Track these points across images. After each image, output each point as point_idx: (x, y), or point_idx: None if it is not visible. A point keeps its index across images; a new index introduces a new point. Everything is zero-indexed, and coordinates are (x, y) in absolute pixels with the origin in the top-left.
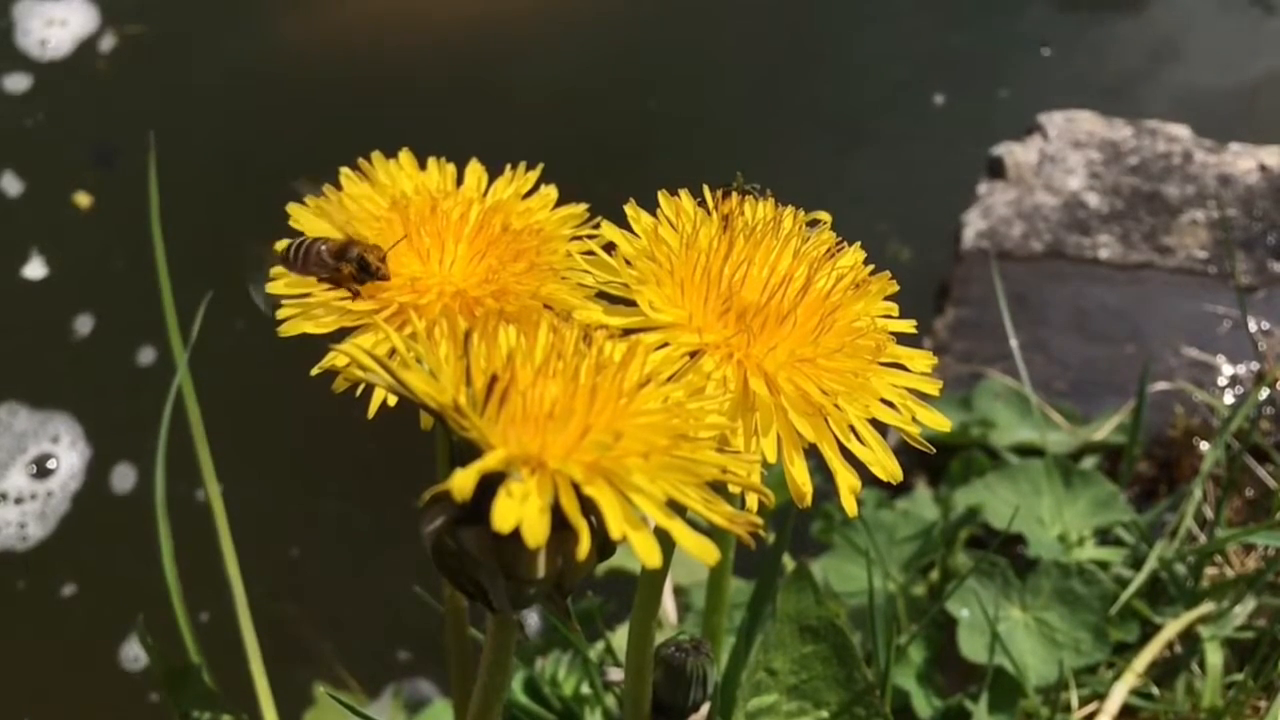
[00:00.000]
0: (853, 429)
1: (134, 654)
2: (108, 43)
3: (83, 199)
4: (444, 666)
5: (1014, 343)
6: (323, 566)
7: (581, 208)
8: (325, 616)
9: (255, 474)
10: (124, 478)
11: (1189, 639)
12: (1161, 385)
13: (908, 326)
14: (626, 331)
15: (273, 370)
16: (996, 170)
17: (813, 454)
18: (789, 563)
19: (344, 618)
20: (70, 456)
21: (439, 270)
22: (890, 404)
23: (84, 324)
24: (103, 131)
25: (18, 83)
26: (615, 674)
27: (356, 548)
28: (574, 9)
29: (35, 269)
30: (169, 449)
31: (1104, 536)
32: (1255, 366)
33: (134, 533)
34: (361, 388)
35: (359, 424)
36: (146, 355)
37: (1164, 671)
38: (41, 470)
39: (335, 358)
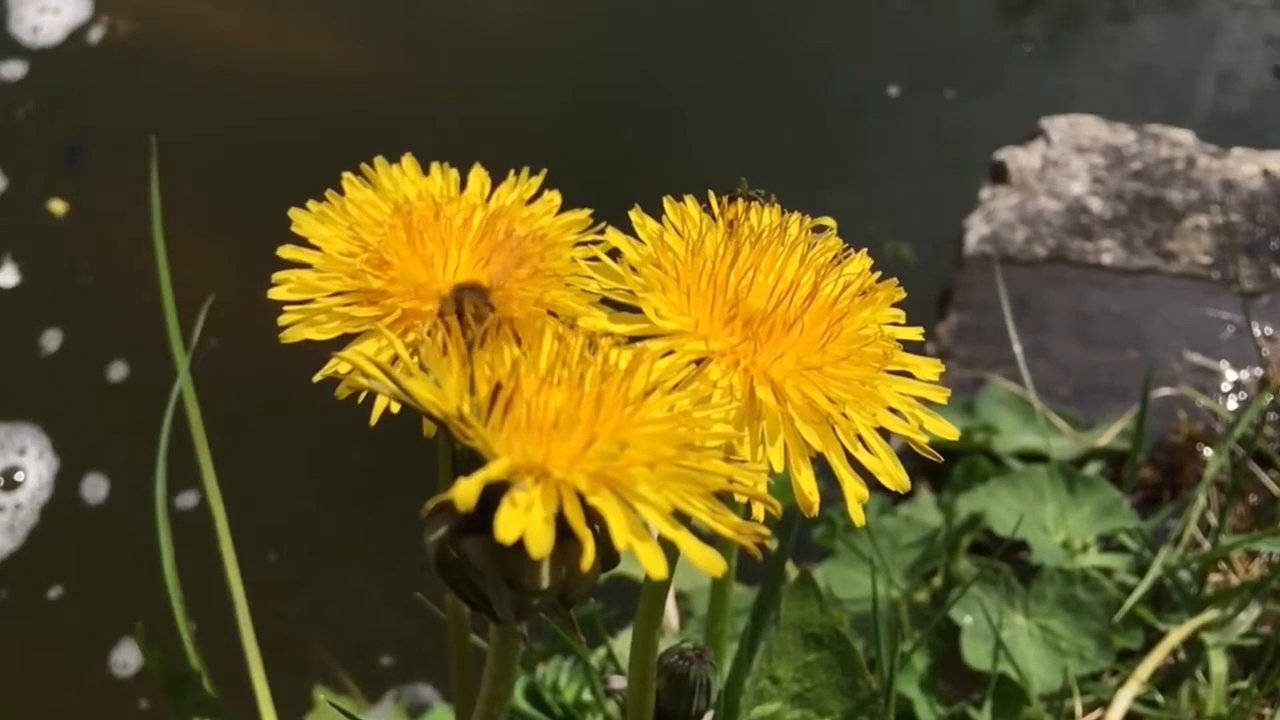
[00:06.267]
0: (860, 438)
1: (124, 660)
2: (97, 34)
3: (58, 206)
4: (445, 672)
5: (1017, 348)
6: (320, 573)
7: (585, 213)
8: (324, 622)
9: (243, 482)
10: (95, 488)
11: (1193, 646)
12: (1165, 391)
13: (915, 334)
14: (632, 339)
15: (258, 382)
16: (999, 175)
17: (816, 458)
18: (792, 569)
19: (343, 623)
20: (39, 468)
21: (442, 277)
22: (897, 412)
23: (53, 336)
24: (83, 130)
25: (9, 70)
26: (617, 681)
27: (355, 554)
28: (554, 31)
29: (7, 276)
30: (150, 458)
31: (1108, 543)
32: (1259, 372)
33: (112, 542)
34: (364, 395)
35: (349, 430)
36: (118, 370)
37: (1168, 679)
38: (9, 483)
39: (338, 364)
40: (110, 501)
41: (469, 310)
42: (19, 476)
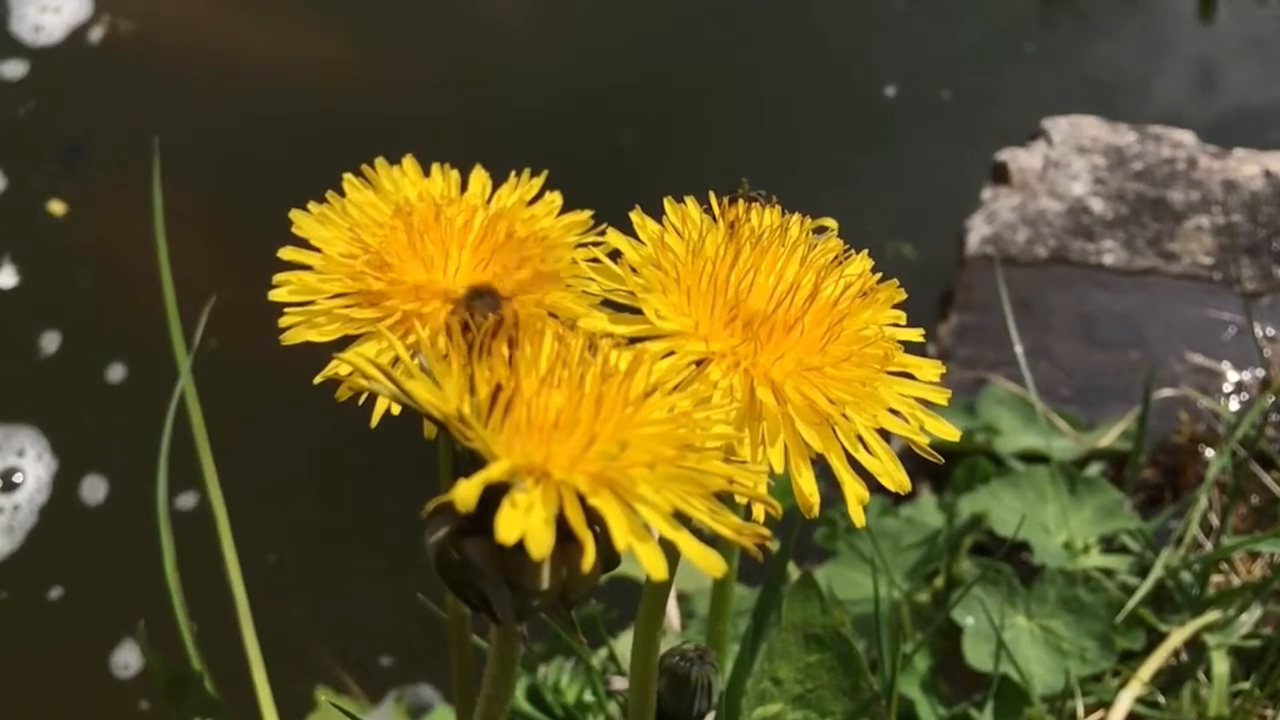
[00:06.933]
0: (860, 439)
1: (124, 661)
2: (98, 33)
3: (57, 206)
4: (446, 672)
5: (1018, 349)
6: (320, 573)
7: (586, 215)
8: (325, 623)
9: (243, 482)
10: (94, 489)
11: (1195, 647)
12: (1166, 391)
13: (915, 335)
14: (632, 340)
15: (258, 382)
16: (1000, 175)
17: (817, 459)
18: (793, 570)
19: (344, 624)
20: (37, 469)
21: (443, 278)
22: (898, 413)
23: (52, 337)
24: (83, 130)
25: (10, 70)
26: (619, 682)
27: (355, 554)
28: (553, 32)
29: (6, 277)
30: (148, 458)
31: (1109, 544)
32: (1260, 373)
33: (111, 543)
34: (364, 396)
35: (349, 430)
36: (116, 372)
37: (1170, 680)
38: (8, 484)
39: (338, 366)
40: (109, 503)
41: (475, 316)
42: (17, 478)
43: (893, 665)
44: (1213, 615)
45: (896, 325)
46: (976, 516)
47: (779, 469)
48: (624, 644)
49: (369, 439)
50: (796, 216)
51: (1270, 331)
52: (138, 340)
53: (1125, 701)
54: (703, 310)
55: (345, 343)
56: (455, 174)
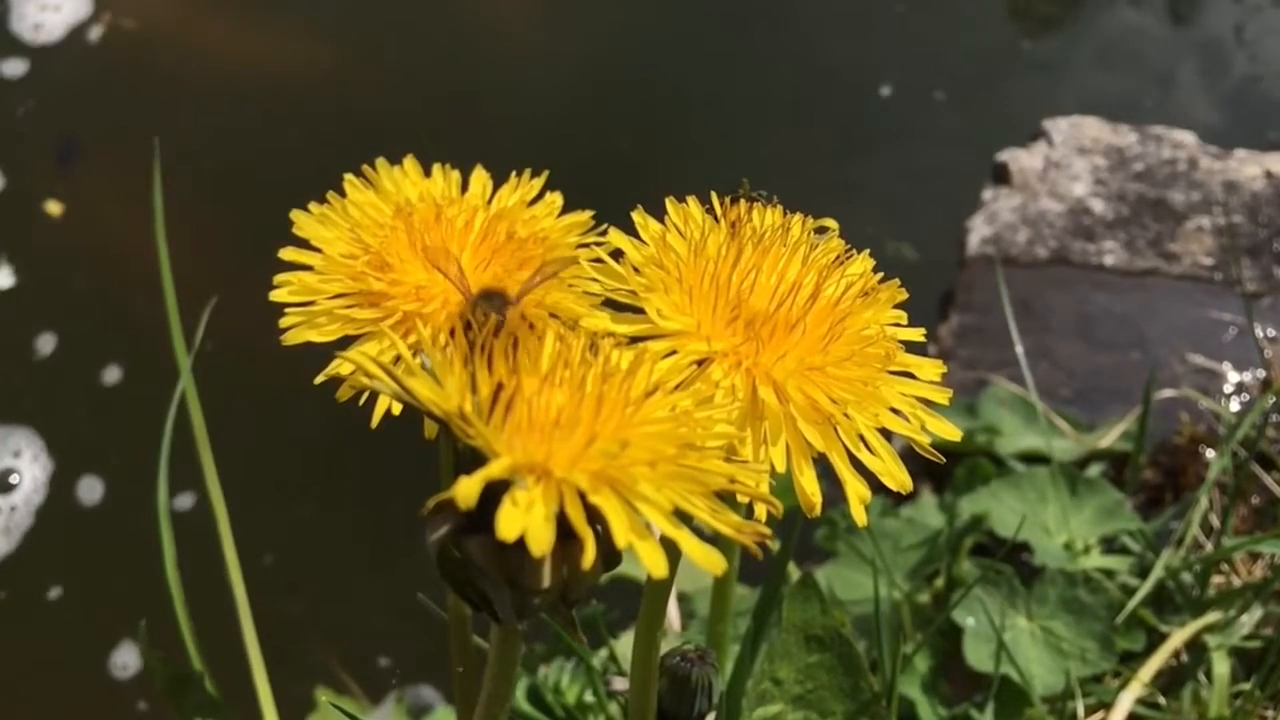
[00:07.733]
0: (862, 438)
1: (123, 661)
2: (98, 32)
3: (54, 207)
4: (447, 673)
5: (1019, 349)
6: (320, 573)
7: (586, 215)
8: (325, 623)
9: (242, 483)
10: (91, 490)
11: (1195, 648)
12: (1167, 392)
13: (917, 335)
14: (634, 339)
15: (257, 383)
16: (1001, 176)
17: (818, 459)
18: (794, 571)
19: (344, 624)
20: (33, 470)
21: (444, 279)
22: (899, 413)
23: (48, 339)
24: (82, 129)
25: (9, 69)
26: (619, 683)
27: (355, 554)
28: (552, 34)
29: (2, 278)
30: (145, 459)
31: (1110, 545)
32: (1261, 374)
33: (109, 544)
34: (364, 396)
35: (349, 430)
36: (112, 374)
37: (1170, 681)
38: (4, 485)
39: (340, 365)
40: (106, 504)
41: (479, 318)
42: (14, 479)
43: (893, 666)
44: (1213, 616)
45: (898, 325)
46: (977, 517)
47: (781, 468)
48: (624, 644)
49: (369, 439)
50: (798, 216)
51: (1271, 332)
52: (134, 342)
53: (1126, 702)
54: (705, 310)
55: (345, 343)
56: (456, 174)
